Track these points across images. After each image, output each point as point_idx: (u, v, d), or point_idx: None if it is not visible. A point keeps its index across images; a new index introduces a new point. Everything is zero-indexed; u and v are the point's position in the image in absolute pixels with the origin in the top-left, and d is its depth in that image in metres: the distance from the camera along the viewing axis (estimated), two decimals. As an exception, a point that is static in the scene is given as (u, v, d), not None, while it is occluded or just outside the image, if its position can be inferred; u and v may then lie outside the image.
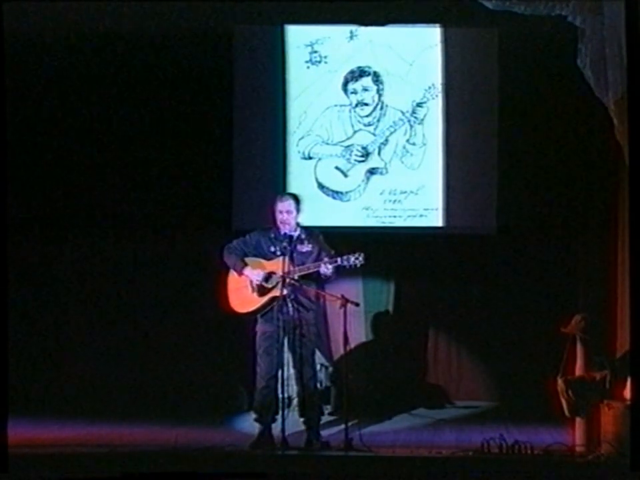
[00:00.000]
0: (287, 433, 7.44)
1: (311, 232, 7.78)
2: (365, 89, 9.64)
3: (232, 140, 9.59)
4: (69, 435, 8.10)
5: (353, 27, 9.54)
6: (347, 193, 9.65)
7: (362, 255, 7.45)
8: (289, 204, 7.70)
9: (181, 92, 9.51)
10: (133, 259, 9.59)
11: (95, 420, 8.64)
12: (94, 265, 9.62)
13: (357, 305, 7.82)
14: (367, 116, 9.64)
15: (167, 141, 9.53)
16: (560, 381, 7.44)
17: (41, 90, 9.37)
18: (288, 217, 7.67)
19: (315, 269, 7.53)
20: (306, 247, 7.68)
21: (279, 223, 7.70)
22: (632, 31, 7.02)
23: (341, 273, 7.67)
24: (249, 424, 8.07)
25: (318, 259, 7.63)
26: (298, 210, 7.73)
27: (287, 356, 7.75)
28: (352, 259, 7.47)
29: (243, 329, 8.22)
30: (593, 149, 9.07)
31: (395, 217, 9.59)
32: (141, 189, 9.56)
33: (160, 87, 9.50)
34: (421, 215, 9.59)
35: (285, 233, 7.65)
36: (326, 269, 7.48)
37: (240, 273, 7.72)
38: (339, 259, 7.50)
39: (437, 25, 9.49)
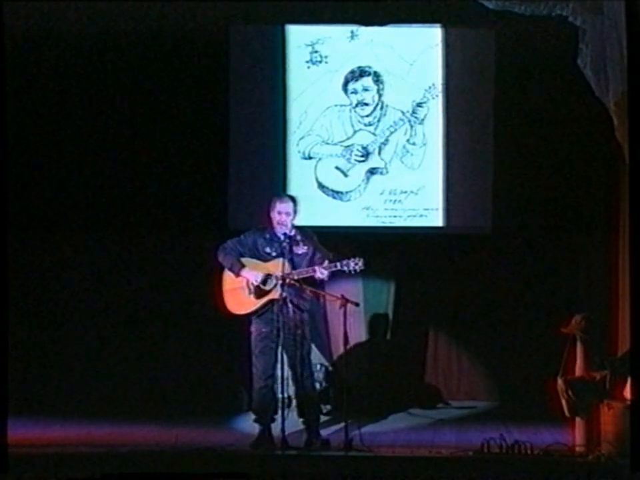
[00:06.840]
0: (286, 433, 7.43)
1: (305, 233, 7.71)
2: (366, 89, 9.64)
3: (229, 140, 9.59)
4: (69, 434, 8.09)
5: (354, 27, 9.54)
6: (347, 192, 9.64)
7: (361, 260, 7.40)
8: (288, 205, 7.65)
9: (179, 92, 9.51)
10: (134, 259, 9.58)
11: (94, 420, 8.64)
12: (93, 265, 9.62)
13: (357, 304, 7.81)
14: (367, 116, 9.64)
15: (165, 141, 9.54)
16: (560, 381, 7.42)
17: (41, 89, 9.37)
18: (286, 219, 7.61)
19: (313, 273, 7.48)
20: (301, 249, 7.62)
21: (275, 223, 7.65)
22: (632, 30, 7.03)
23: (341, 273, 7.64)
24: (249, 424, 8.06)
25: (312, 259, 7.60)
26: (295, 212, 7.68)
27: (284, 356, 7.73)
28: (352, 264, 7.41)
29: (242, 329, 8.22)
30: (593, 148, 9.07)
31: (395, 217, 9.59)
32: (139, 189, 9.56)
33: (157, 86, 9.50)
34: (421, 215, 9.59)
35: (281, 235, 7.60)
36: (321, 273, 7.45)
37: (237, 274, 7.66)
38: (338, 264, 7.45)
39: (438, 25, 9.49)
